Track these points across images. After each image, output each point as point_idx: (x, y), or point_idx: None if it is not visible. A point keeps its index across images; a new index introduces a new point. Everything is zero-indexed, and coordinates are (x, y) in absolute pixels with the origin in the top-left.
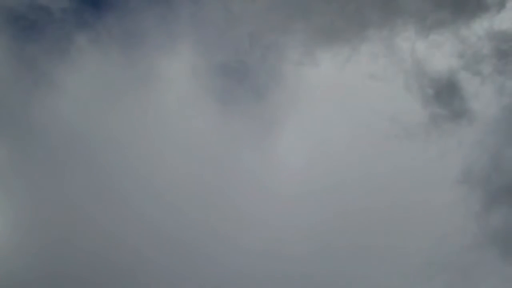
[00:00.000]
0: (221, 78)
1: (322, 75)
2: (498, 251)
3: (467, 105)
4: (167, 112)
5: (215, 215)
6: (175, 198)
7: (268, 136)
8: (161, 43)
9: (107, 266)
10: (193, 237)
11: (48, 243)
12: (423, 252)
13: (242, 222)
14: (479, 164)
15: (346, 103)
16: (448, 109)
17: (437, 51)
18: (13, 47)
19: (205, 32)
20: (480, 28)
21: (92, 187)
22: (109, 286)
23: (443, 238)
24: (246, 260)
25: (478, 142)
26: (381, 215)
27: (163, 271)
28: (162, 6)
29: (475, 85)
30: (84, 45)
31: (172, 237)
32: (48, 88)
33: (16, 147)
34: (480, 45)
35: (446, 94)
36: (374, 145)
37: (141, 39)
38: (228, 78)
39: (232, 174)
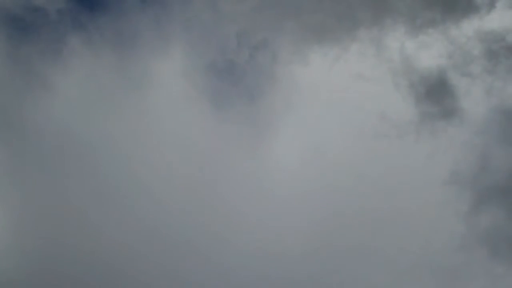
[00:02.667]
0: (213, 78)
1: (313, 75)
2: (487, 251)
3: (456, 106)
4: (160, 113)
5: (209, 216)
6: (169, 199)
7: (261, 136)
8: (153, 44)
9: (101, 266)
10: (188, 237)
11: (41, 243)
12: (412, 253)
13: (237, 222)
14: (467, 165)
15: (338, 103)
16: (437, 109)
17: (426, 51)
18: (8, 48)
19: (197, 34)
20: (469, 28)
21: (85, 187)
22: (103, 285)
23: (432, 238)
24: (241, 260)
25: (466, 142)
26: (372, 216)
27: (158, 271)
28: (153, 8)
29: (464, 85)
30: (77, 46)
31: (167, 237)
32: (42, 90)
33: (9, 148)
34: (470, 45)
35: (435, 94)
36: (366, 146)
37: (133, 41)
38: (220, 78)
39: (227, 175)
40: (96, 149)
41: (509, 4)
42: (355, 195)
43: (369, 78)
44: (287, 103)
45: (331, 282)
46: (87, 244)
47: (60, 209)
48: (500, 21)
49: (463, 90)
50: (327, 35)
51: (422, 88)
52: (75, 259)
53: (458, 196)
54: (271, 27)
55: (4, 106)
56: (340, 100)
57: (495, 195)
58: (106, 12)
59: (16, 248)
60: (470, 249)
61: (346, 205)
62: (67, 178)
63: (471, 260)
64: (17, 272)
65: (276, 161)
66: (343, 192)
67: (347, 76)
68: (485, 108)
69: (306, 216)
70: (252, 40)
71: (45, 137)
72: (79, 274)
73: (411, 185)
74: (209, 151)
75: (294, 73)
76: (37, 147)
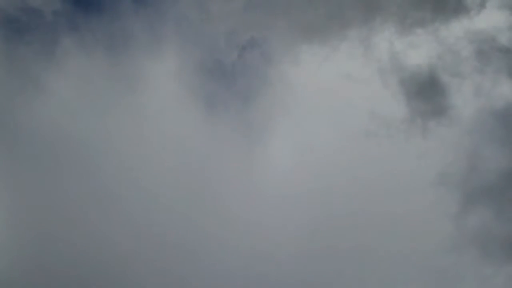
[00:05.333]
0: (206, 79)
1: (304, 75)
2: (476, 252)
3: (445, 106)
4: (153, 114)
5: (203, 216)
6: (163, 199)
7: (254, 137)
8: (146, 46)
9: (97, 265)
10: (182, 237)
11: (36, 242)
12: (402, 254)
13: (230, 223)
14: (456, 165)
15: (329, 103)
16: (427, 109)
17: (416, 51)
18: (3, 49)
19: (190, 35)
20: (459, 28)
21: (79, 188)
22: (98, 284)
23: (422, 239)
24: (235, 260)
25: (456, 142)
26: (363, 217)
27: (153, 270)
28: (146, 10)
29: (453, 85)
30: (70, 48)
31: (161, 238)
32: (36, 91)
33: (2, 149)
34: (459, 45)
35: (424, 94)
36: (357, 146)
37: (126, 42)
38: (213, 79)
39: (221, 176)
40: (90, 150)
41: (499, 4)
42: (347, 196)
43: (359, 78)
44: (279, 103)
45: (323, 282)
46: (82, 243)
47: (54, 209)
48: (490, 21)
49: (452, 90)
50: (316, 35)
51: (411, 88)
52: (70, 258)
53: (448, 197)
54: (261, 27)
55: None
56: (331, 100)
57: (484, 196)
58: (100, 14)
59: (11, 248)
60: (460, 250)
61: (338, 206)
62: (61, 179)
63: (461, 261)
64: (12, 271)
65: (269, 162)
66: (335, 193)
67: (338, 76)
68: (474, 108)
69: (299, 217)
70: (244, 40)
71: (39, 138)
72: (75, 273)
73: (401, 186)
74: (202, 152)
75: (285, 73)
76: (31, 148)
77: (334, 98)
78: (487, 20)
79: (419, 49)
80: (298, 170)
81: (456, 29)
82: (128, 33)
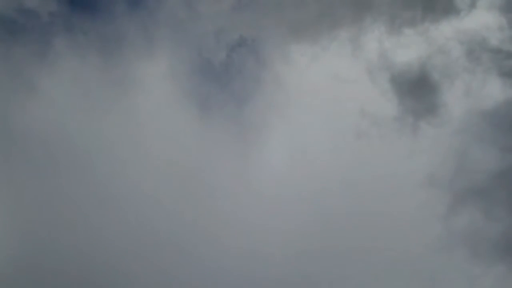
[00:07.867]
0: (199, 80)
1: (297, 75)
2: (466, 252)
3: (435, 106)
4: (147, 115)
5: (199, 217)
6: (158, 200)
7: (248, 137)
8: (139, 47)
9: (93, 264)
10: (179, 237)
11: (32, 242)
12: (392, 255)
13: (225, 224)
14: (445, 166)
15: (320, 103)
16: (416, 109)
17: (406, 51)
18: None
19: (183, 37)
20: (449, 28)
21: (74, 189)
22: (95, 283)
23: (412, 240)
24: (230, 261)
25: (445, 142)
26: (355, 218)
27: (149, 269)
28: (140, 12)
29: (444, 85)
30: (63, 49)
31: (158, 238)
32: (29, 92)
33: None
34: (449, 45)
35: (414, 94)
36: (349, 146)
37: (119, 44)
38: (206, 79)
39: (216, 177)
40: (83, 151)
41: (489, 4)
42: (339, 197)
43: (349, 77)
44: (271, 103)
45: (316, 282)
46: (78, 243)
47: (49, 210)
48: (481, 21)
49: (442, 90)
50: (306, 34)
51: (402, 87)
52: (68, 258)
53: (437, 198)
54: (250, 26)
55: None
56: (322, 100)
57: (473, 196)
58: (94, 15)
59: (9, 248)
60: (449, 250)
61: (330, 207)
62: (55, 179)
63: (450, 261)
64: (11, 271)
65: (263, 163)
66: (327, 194)
67: (328, 76)
68: (464, 108)
69: (293, 218)
70: (233, 40)
71: (33, 139)
72: (72, 272)
73: (391, 187)
74: (197, 153)
75: (276, 73)
76: (24, 149)
77: (324, 98)
78: (477, 20)
79: (408, 49)
80: (291, 170)
81: (446, 29)
82: (121, 35)
